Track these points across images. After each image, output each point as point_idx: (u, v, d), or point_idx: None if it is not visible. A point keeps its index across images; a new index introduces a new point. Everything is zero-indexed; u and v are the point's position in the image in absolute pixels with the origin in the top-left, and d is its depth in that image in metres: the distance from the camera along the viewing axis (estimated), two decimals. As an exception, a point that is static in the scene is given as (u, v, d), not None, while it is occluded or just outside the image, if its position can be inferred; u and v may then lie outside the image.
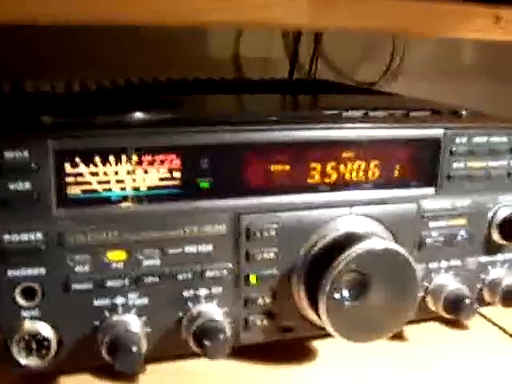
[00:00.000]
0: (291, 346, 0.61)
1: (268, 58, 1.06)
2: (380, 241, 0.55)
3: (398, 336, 0.64)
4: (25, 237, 0.50)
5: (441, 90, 0.92)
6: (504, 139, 0.62)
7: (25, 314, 0.52)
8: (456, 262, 0.64)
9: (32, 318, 0.52)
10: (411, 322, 0.63)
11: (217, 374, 0.58)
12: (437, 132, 0.59)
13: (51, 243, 0.50)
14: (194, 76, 0.90)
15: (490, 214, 0.64)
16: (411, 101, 0.78)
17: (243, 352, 0.59)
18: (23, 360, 0.52)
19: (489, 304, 0.67)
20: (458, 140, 0.60)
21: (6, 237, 0.50)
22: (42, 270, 0.51)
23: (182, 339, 0.55)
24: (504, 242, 0.64)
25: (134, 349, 0.50)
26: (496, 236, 0.64)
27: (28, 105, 0.63)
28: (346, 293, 0.54)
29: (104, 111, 0.55)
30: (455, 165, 0.61)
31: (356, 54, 1.12)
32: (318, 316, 0.55)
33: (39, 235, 0.50)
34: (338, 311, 0.54)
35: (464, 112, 0.64)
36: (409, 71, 1.14)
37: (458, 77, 1.18)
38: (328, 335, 0.57)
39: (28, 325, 0.52)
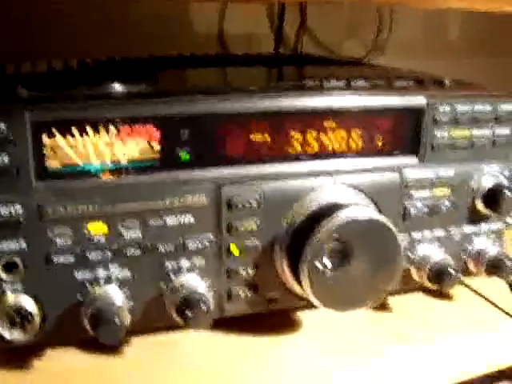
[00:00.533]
0: (273, 317, 0.61)
1: (253, 34, 1.06)
2: (362, 210, 0.55)
3: (383, 306, 0.64)
4: (4, 210, 0.49)
5: (428, 65, 0.91)
6: (488, 108, 0.62)
7: (7, 287, 0.51)
8: (440, 232, 0.64)
9: (14, 291, 0.52)
10: (395, 293, 0.63)
11: (199, 346, 0.58)
12: (420, 100, 0.59)
13: (31, 216, 0.50)
14: (178, 52, 0.89)
15: (473, 184, 0.64)
16: (394, 71, 0.77)
17: (226, 324, 0.59)
18: (6, 334, 0.51)
19: (473, 274, 0.66)
20: (441, 108, 0.60)
21: (-14, 210, 0.48)
22: (23, 244, 0.51)
23: (164, 311, 0.55)
24: (488, 212, 0.64)
25: (117, 320, 0.50)
26: (480, 206, 0.64)
27: (6, 80, 0.63)
28: (327, 262, 0.54)
29: (83, 84, 0.54)
30: (439, 134, 0.60)
31: (342, 29, 1.11)
32: (300, 286, 0.54)
33: (18, 208, 0.50)
34: (320, 280, 0.54)
35: (447, 81, 0.63)
36: (395, 47, 1.13)
37: (446, 52, 1.17)
38: (311, 306, 0.57)
39: (10, 298, 0.51)
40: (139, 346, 0.57)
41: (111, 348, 0.56)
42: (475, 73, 0.94)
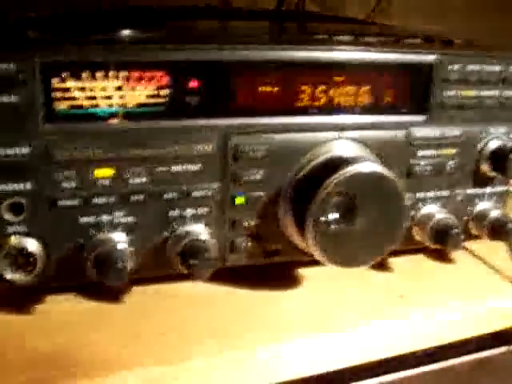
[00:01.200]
0: (275, 271, 0.61)
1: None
2: (369, 164, 0.54)
3: (382, 266, 0.64)
4: (11, 151, 0.49)
5: (432, 29, 0.91)
6: (497, 68, 0.61)
7: (11, 229, 0.51)
8: (444, 193, 0.64)
9: (19, 233, 0.52)
10: (397, 254, 0.63)
11: (197, 297, 0.58)
12: (429, 58, 0.59)
13: (38, 158, 0.50)
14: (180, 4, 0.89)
15: (479, 145, 0.64)
16: (403, 29, 0.77)
17: (228, 275, 0.59)
18: (10, 275, 0.51)
19: (475, 237, 0.66)
20: (450, 67, 0.59)
21: (-6, 150, 0.48)
22: (29, 186, 0.51)
23: (167, 259, 0.55)
24: (493, 174, 0.64)
25: (120, 263, 0.50)
26: (485, 167, 0.64)
27: (15, 24, 0.62)
28: (332, 216, 0.54)
29: (91, 29, 0.53)
30: (447, 92, 0.60)
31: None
32: (304, 239, 0.54)
33: (26, 150, 0.50)
34: (324, 235, 0.54)
35: (457, 41, 0.63)
36: (399, 8, 1.12)
37: (450, 13, 1.16)
38: (312, 261, 0.58)
39: (15, 240, 0.51)
40: (139, 294, 0.58)
41: (111, 295, 0.57)
42: (480, 35, 0.93)
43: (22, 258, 0.52)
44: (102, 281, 0.52)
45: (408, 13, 1.12)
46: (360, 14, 1.10)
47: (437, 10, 1.15)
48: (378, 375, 0.60)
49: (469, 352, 0.63)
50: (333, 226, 0.54)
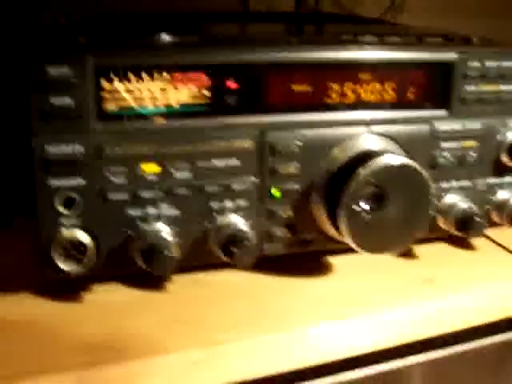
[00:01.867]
0: (308, 261, 0.65)
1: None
2: (397, 156, 0.58)
3: (408, 254, 0.68)
4: (65, 148, 0.53)
5: (446, 25, 0.93)
6: (515, 64, 0.64)
7: (64, 221, 0.55)
8: (466, 183, 0.67)
9: (71, 225, 0.55)
10: (422, 241, 0.67)
11: (237, 285, 0.62)
12: (451, 55, 0.63)
13: (90, 155, 0.54)
14: (197, 10, 0.92)
15: (499, 137, 0.67)
16: (422, 29, 0.80)
17: (263, 266, 0.62)
18: (62, 265, 0.55)
19: (496, 225, 0.70)
20: (470, 63, 0.63)
21: (49, 148, 0.53)
22: (81, 181, 0.54)
23: (209, 249, 0.59)
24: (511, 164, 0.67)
25: (167, 252, 0.54)
26: (504, 158, 0.67)
27: (64, 30, 0.66)
28: (364, 205, 0.57)
29: (134, 33, 0.57)
30: (467, 88, 0.64)
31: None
32: (337, 228, 0.58)
33: (79, 147, 0.53)
34: (356, 223, 0.57)
35: (475, 39, 0.67)
36: (413, 6, 1.15)
37: (464, 12, 1.19)
38: (343, 250, 0.62)
39: (67, 232, 0.55)
40: (181, 283, 0.61)
41: (154, 284, 0.60)
42: (495, 33, 0.96)
43: (73, 250, 0.55)
44: (149, 270, 0.55)
45: (422, 11, 1.14)
46: (375, 10, 1.12)
47: (453, 4, 1.17)
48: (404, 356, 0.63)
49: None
50: (364, 215, 0.57)
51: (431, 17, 1.12)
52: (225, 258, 0.57)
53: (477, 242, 0.71)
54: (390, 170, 0.57)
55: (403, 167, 0.57)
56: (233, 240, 0.56)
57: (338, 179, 0.58)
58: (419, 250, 0.69)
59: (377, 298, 0.61)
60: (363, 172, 0.56)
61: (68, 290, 0.58)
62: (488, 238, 0.73)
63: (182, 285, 0.61)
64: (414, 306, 0.61)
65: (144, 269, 0.56)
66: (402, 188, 0.58)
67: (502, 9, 1.21)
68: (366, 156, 0.58)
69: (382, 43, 0.63)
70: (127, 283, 0.61)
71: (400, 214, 0.58)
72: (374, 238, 0.59)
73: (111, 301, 0.58)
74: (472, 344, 0.65)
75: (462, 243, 0.72)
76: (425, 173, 0.58)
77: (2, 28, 0.73)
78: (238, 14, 0.95)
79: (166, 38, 0.57)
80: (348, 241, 0.57)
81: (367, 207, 0.58)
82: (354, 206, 0.56)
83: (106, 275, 0.59)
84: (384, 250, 0.60)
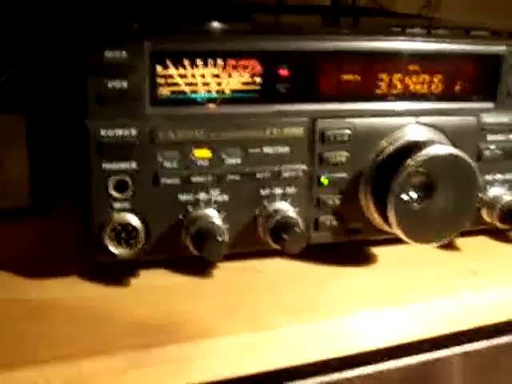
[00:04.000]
0: (355, 251, 0.66)
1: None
2: (445, 147, 0.58)
3: (452, 246, 0.69)
4: (120, 132, 0.54)
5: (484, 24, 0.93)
6: (562, 57, 0.65)
7: (116, 205, 0.56)
8: (511, 176, 0.67)
9: (123, 209, 0.56)
10: (466, 233, 0.66)
11: (284, 272, 0.62)
12: (499, 48, 0.63)
13: (143, 139, 0.54)
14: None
15: (547, 130, 0.66)
16: (466, 24, 0.81)
17: (311, 255, 0.63)
18: (113, 249, 0.56)
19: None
20: (519, 57, 0.63)
21: (104, 132, 0.53)
22: (134, 165, 0.55)
23: (258, 236, 0.59)
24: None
25: (219, 237, 0.54)
26: (552, 151, 0.67)
27: (117, 15, 0.67)
28: (413, 195, 0.57)
29: (186, 19, 0.58)
30: (515, 81, 0.64)
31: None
32: (385, 217, 0.58)
33: (133, 131, 0.54)
34: (405, 212, 0.58)
35: (523, 33, 0.67)
36: (449, 3, 1.15)
37: (502, 9, 1.19)
38: (390, 241, 0.63)
39: (119, 215, 0.56)
40: (227, 270, 0.62)
41: (201, 270, 0.61)
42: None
43: (125, 233, 0.56)
44: (200, 255, 0.55)
45: (457, 10, 1.14)
46: (411, 7, 1.12)
47: (491, 1, 1.17)
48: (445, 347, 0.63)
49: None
50: (412, 204, 0.58)
51: (467, 16, 1.12)
52: (274, 245, 0.57)
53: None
54: (438, 159, 0.58)
55: (452, 157, 0.58)
56: (282, 226, 0.57)
57: (386, 169, 0.59)
58: (461, 241, 0.69)
59: (418, 289, 0.61)
60: (411, 162, 0.57)
61: (119, 273, 0.59)
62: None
63: (230, 271, 0.61)
64: (452, 298, 0.61)
65: (195, 254, 0.55)
66: (451, 178, 0.58)
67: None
68: (414, 146, 0.59)
69: (431, 35, 0.62)
70: (177, 269, 0.61)
71: (448, 204, 0.59)
72: (421, 228, 0.59)
73: (162, 285, 0.59)
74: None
75: (505, 237, 0.71)
76: (473, 163, 0.58)
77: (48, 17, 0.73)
78: (276, 7, 0.95)
79: (217, 25, 0.57)
80: (396, 230, 0.58)
81: (415, 196, 0.57)
82: (403, 196, 0.57)
83: (157, 259, 0.59)
84: (430, 240, 0.60)
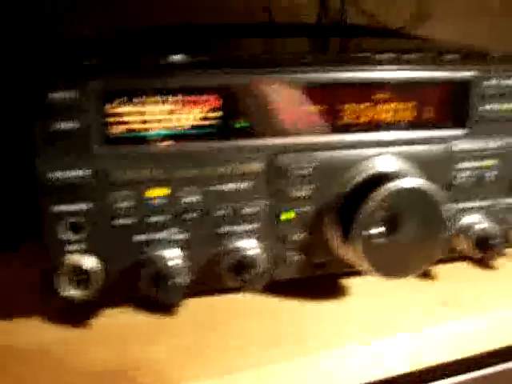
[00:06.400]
0: (322, 284, 0.63)
1: (297, 4, 1.07)
2: (412, 179, 0.57)
3: (426, 275, 0.66)
4: (71, 173, 0.52)
5: (471, 32, 0.92)
6: (534, 81, 0.62)
7: (72, 247, 0.54)
8: (485, 203, 0.66)
9: (78, 250, 0.54)
10: (440, 262, 0.65)
11: (249, 309, 0.60)
12: (468, 74, 0.61)
13: (96, 180, 0.53)
14: (224, 22, 0.91)
15: (519, 155, 0.64)
16: (442, 44, 0.79)
17: (276, 289, 0.61)
18: (70, 291, 0.54)
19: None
20: (488, 82, 0.61)
21: (54, 173, 0.52)
22: (88, 206, 0.53)
23: (219, 273, 0.57)
24: (532, 183, 0.65)
25: (177, 280, 0.53)
26: (524, 177, 0.65)
27: (71, 49, 0.65)
28: (378, 229, 0.56)
29: (145, 54, 0.56)
30: (485, 107, 0.62)
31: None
32: (351, 252, 0.57)
33: (85, 172, 0.52)
34: (371, 247, 0.56)
35: (494, 55, 0.65)
36: (439, 14, 1.13)
37: (489, 19, 1.17)
38: (358, 273, 0.60)
39: (74, 258, 0.54)
40: (193, 307, 0.60)
41: (166, 308, 0.59)
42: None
43: (80, 275, 0.54)
44: (157, 297, 0.54)
45: (447, 17, 1.13)
46: (400, 21, 1.10)
47: (478, 12, 1.15)
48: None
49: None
50: (378, 239, 0.56)
51: (457, 22, 1.11)
52: (235, 283, 0.55)
53: (498, 262, 0.69)
54: (403, 193, 0.56)
55: (417, 190, 0.56)
56: (243, 265, 0.55)
57: (350, 203, 0.57)
58: (437, 270, 0.67)
59: (382, 324, 0.59)
60: (376, 195, 0.55)
61: (77, 314, 0.57)
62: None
63: (194, 308, 0.60)
64: (414, 334, 0.59)
65: (153, 296, 0.53)
66: (417, 211, 0.57)
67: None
68: (380, 179, 0.57)
69: (400, 61, 0.61)
70: (139, 306, 0.60)
71: (415, 236, 0.57)
72: (389, 262, 0.57)
73: (122, 325, 0.57)
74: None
75: (484, 263, 0.70)
76: (438, 195, 0.56)
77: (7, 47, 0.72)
78: (257, 27, 0.93)
79: (174, 58, 0.55)
80: (360, 265, 0.56)
81: (381, 231, 0.55)
82: (367, 230, 0.55)
83: (114, 300, 0.58)
84: (400, 273, 0.58)
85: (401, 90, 0.59)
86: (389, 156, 0.60)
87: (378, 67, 0.59)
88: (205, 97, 0.53)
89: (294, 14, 1.06)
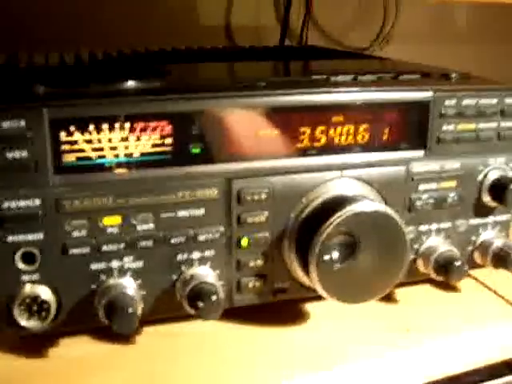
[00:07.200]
0: (282, 309, 0.63)
1: (259, 26, 1.07)
2: (369, 203, 0.56)
3: (388, 298, 0.66)
4: (23, 203, 0.51)
5: (434, 53, 0.92)
6: (493, 101, 0.63)
7: (25, 277, 0.53)
8: (446, 225, 0.65)
9: (32, 281, 0.53)
10: (402, 285, 0.64)
11: (208, 336, 0.60)
12: (426, 94, 0.61)
13: (48, 209, 0.52)
14: (186, 45, 0.91)
15: (480, 177, 0.65)
16: (401, 64, 0.79)
17: (236, 314, 0.61)
18: (24, 322, 0.53)
19: (480, 266, 0.67)
20: (447, 102, 0.61)
21: (5, 204, 0.51)
22: (41, 236, 0.53)
23: (176, 301, 0.57)
24: (494, 204, 0.65)
25: (130, 310, 0.52)
26: (486, 198, 0.65)
27: (21, 75, 0.64)
28: (336, 255, 0.55)
29: (96, 80, 0.56)
30: (444, 127, 0.62)
31: (348, 18, 1.12)
32: (309, 278, 0.56)
33: (37, 202, 0.52)
34: (329, 273, 0.55)
35: (454, 75, 0.65)
36: (401, 35, 1.14)
37: (451, 40, 1.18)
38: (318, 297, 0.59)
39: (28, 288, 0.53)
40: (150, 335, 0.59)
41: (123, 336, 0.58)
42: (480, 60, 0.95)
43: (35, 306, 0.54)
44: (112, 327, 0.53)
45: (411, 38, 1.13)
46: (365, 40, 1.11)
47: (440, 33, 1.16)
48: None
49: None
50: (336, 265, 0.55)
51: (421, 43, 1.12)
52: (191, 312, 0.54)
53: (463, 283, 0.69)
54: (361, 217, 0.55)
55: (375, 214, 0.56)
56: (198, 293, 0.54)
57: (307, 228, 0.57)
58: (400, 293, 0.67)
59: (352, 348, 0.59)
60: (333, 220, 0.54)
61: (33, 345, 0.57)
62: (475, 279, 0.70)
63: (151, 336, 0.59)
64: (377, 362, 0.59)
65: (108, 325, 0.53)
66: (376, 235, 0.56)
67: (492, 34, 1.19)
68: (337, 203, 0.56)
69: (356, 83, 0.61)
70: (95, 335, 0.59)
71: (374, 261, 0.57)
72: (348, 288, 0.57)
73: (79, 355, 0.56)
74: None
75: (447, 285, 0.69)
76: (399, 219, 0.56)
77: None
78: (217, 50, 0.93)
79: (128, 84, 0.54)
80: (319, 291, 0.56)
81: (337, 256, 0.55)
82: (324, 256, 0.54)
83: (70, 330, 0.57)
84: (358, 298, 0.58)
85: (357, 111, 0.59)
86: (346, 179, 0.59)
87: (334, 89, 0.58)
88: (156, 123, 0.53)
89: (256, 37, 1.06)
